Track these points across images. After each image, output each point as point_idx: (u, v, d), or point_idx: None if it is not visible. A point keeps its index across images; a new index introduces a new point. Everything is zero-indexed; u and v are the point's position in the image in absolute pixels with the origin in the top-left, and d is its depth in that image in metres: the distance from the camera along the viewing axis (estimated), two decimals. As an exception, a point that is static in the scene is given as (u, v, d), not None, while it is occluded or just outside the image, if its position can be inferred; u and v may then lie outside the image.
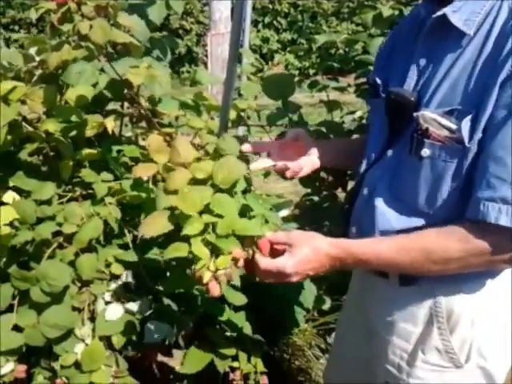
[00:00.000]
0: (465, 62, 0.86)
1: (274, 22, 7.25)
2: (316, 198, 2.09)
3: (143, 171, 1.13)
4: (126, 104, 1.76)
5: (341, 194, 2.14)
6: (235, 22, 1.08)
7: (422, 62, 0.94)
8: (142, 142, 1.68)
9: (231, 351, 1.32)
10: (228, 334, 1.36)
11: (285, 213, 1.25)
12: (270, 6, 7.23)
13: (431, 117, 0.88)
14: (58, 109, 1.29)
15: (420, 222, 0.94)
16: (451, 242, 0.86)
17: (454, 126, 0.85)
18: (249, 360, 1.35)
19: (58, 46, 1.08)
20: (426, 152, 0.89)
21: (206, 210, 0.96)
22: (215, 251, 0.92)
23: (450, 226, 0.87)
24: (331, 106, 1.88)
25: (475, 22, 0.85)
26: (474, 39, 0.86)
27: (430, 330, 0.98)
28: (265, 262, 0.93)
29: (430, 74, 0.92)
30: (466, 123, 0.84)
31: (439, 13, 0.88)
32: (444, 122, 0.86)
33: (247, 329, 1.36)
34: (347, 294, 1.30)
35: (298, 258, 0.90)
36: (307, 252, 0.90)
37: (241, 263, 0.93)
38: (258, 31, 7.00)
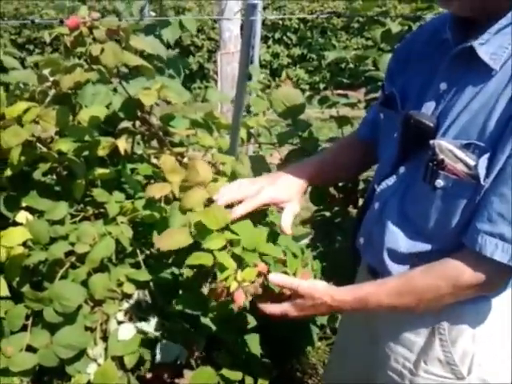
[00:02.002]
0: (487, 96, 0.84)
1: (284, 38, 7.30)
2: (328, 214, 2.08)
3: (157, 191, 1.14)
4: (137, 122, 1.79)
5: (353, 210, 2.14)
6: (244, 43, 1.10)
7: (443, 86, 0.92)
8: (153, 160, 1.69)
9: (237, 375, 1.30)
10: (236, 357, 1.35)
11: (304, 242, 1.25)
12: (280, 22, 7.29)
13: (448, 147, 0.87)
14: (71, 129, 1.31)
15: (427, 246, 0.94)
16: (440, 281, 0.89)
17: (471, 162, 0.85)
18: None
19: (70, 69, 1.10)
20: (439, 183, 0.89)
21: (226, 228, 0.97)
22: (240, 264, 0.93)
23: (443, 259, 0.89)
24: (341, 121, 1.88)
25: (502, 56, 0.83)
26: (498, 74, 0.84)
27: (432, 341, 0.99)
28: (270, 309, 0.99)
29: (450, 101, 0.90)
30: (483, 161, 0.83)
31: (467, 44, 0.86)
32: (460, 155, 0.85)
33: (255, 351, 1.35)
34: None
35: (301, 308, 0.97)
36: (309, 304, 0.96)
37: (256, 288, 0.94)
38: (268, 47, 7.05)
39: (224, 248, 0.96)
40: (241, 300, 0.91)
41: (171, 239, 0.99)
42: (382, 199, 1.01)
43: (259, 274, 0.94)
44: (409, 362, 1.02)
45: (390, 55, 1.90)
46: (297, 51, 7.16)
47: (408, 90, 1.01)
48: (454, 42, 0.90)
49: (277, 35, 7.30)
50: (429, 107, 0.94)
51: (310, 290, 0.96)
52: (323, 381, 1.56)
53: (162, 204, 1.34)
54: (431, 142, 0.89)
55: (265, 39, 6.85)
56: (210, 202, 1.08)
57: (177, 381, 1.51)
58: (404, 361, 1.02)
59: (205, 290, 1.38)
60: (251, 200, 1.06)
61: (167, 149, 1.38)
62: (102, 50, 0.99)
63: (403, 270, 0.97)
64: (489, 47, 0.85)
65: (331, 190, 1.57)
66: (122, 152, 1.30)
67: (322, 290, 0.96)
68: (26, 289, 1.19)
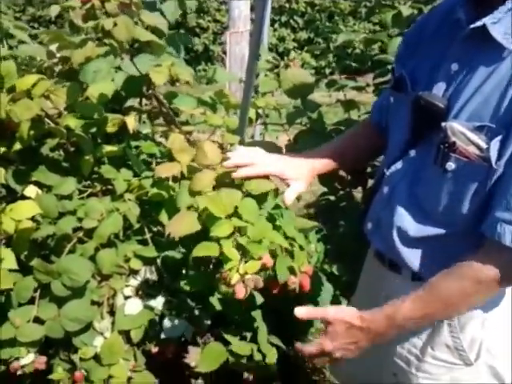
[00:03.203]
0: (500, 77, 0.83)
1: (291, 21, 7.24)
2: (333, 198, 2.09)
3: (166, 170, 1.14)
4: (143, 101, 1.79)
5: (357, 194, 2.14)
6: (257, 21, 1.09)
7: (454, 67, 0.91)
8: (158, 139, 1.69)
9: (246, 351, 1.32)
10: (244, 333, 1.36)
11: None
12: (287, 5, 7.22)
13: (460, 130, 0.86)
14: (80, 105, 1.31)
15: (436, 230, 0.94)
16: (463, 280, 0.87)
17: (483, 145, 0.84)
18: (264, 360, 1.35)
19: (82, 43, 1.09)
20: (450, 166, 0.88)
21: (234, 213, 0.97)
22: (245, 255, 0.93)
23: (460, 262, 0.88)
24: (348, 105, 1.87)
25: None
26: (511, 55, 0.83)
27: (440, 327, 0.99)
28: (307, 349, 0.95)
29: (461, 82, 0.89)
30: (495, 143, 0.83)
31: (479, 23, 0.85)
32: (473, 137, 0.85)
33: (262, 329, 1.36)
34: (357, 286, 1.30)
35: (334, 337, 0.93)
36: (341, 330, 0.92)
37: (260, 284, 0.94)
38: (275, 30, 6.99)
39: (231, 235, 0.95)
40: (241, 293, 0.91)
41: (181, 225, 0.99)
42: (391, 183, 1.01)
43: (263, 267, 0.94)
44: (415, 348, 1.02)
45: (399, 39, 1.89)
46: (303, 35, 7.11)
47: (418, 72, 1.00)
48: (466, 22, 0.89)
49: (283, 18, 7.24)
50: (440, 88, 0.93)
51: (338, 314, 0.94)
52: (329, 370, 1.55)
53: (170, 182, 1.35)
54: (443, 124, 0.88)
55: (271, 22, 6.80)
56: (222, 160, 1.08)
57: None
58: (410, 347, 1.02)
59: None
60: (258, 167, 1.06)
61: (176, 127, 1.38)
62: (115, 24, 0.99)
63: (413, 255, 0.97)
64: (501, 26, 0.84)
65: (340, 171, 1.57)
66: (131, 129, 1.30)
67: (349, 312, 0.94)
68: (35, 261, 1.19)
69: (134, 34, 1.03)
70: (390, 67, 1.93)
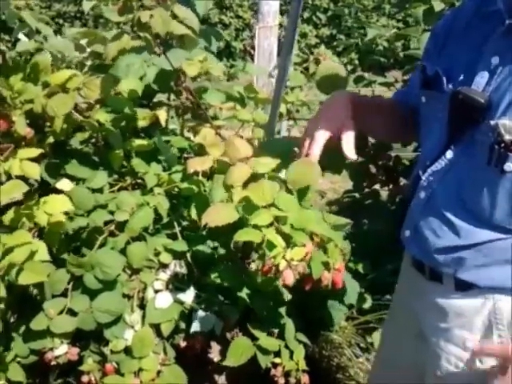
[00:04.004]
0: None
1: (313, 17, 7.20)
2: (357, 195, 2.07)
3: (198, 165, 1.14)
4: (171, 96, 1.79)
5: (383, 192, 2.11)
6: (292, 14, 1.08)
7: (495, 60, 0.86)
8: (186, 134, 1.70)
9: (274, 346, 1.31)
10: (271, 329, 1.36)
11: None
12: (310, 1, 7.18)
13: None
14: (112, 100, 1.31)
15: (490, 235, 0.88)
16: None
17: None
18: (291, 357, 1.35)
19: (117, 36, 1.10)
20: (509, 166, 0.82)
21: (273, 204, 0.97)
22: (288, 243, 0.93)
23: None
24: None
25: None
26: None
27: (489, 338, 0.93)
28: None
29: (504, 77, 0.85)
30: None
31: None
32: None
33: (290, 325, 1.36)
34: (393, 296, 1.26)
35: None
36: None
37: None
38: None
39: (271, 225, 0.95)
40: (290, 279, 0.91)
41: (218, 215, 0.99)
42: (429, 188, 0.95)
43: (307, 255, 0.94)
44: (461, 361, 0.96)
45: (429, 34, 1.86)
46: (326, 31, 7.06)
47: (453, 67, 0.95)
48: (507, 13, 0.85)
49: (306, 14, 7.20)
50: (479, 83, 0.88)
51: None
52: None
53: (200, 177, 1.36)
54: (492, 122, 0.83)
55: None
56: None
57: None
58: (456, 360, 0.96)
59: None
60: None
61: (208, 122, 1.38)
62: (151, 16, 0.99)
63: (458, 262, 0.93)
64: None
65: (372, 168, 1.55)
66: (163, 123, 1.31)
67: None
68: (68, 254, 1.20)
69: (169, 26, 1.03)
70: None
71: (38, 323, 1.14)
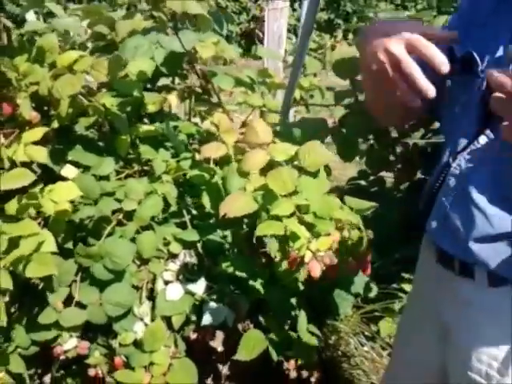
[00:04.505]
0: None
1: (311, 1, 7.07)
2: (363, 183, 2.03)
3: (213, 151, 1.09)
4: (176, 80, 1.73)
5: (389, 179, 2.08)
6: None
7: None
8: (193, 119, 1.65)
9: (286, 339, 1.28)
10: (283, 321, 1.33)
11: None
12: (307, -15, 7.05)
13: None
14: (120, 83, 1.26)
15: None
16: None
17: None
18: (303, 350, 1.32)
19: (129, 15, 1.04)
20: None
21: (294, 192, 0.93)
22: (311, 232, 0.89)
23: None
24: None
25: None
26: None
27: None
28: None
29: None
30: None
31: None
32: None
33: (302, 317, 1.33)
34: (411, 292, 1.22)
35: None
36: None
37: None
38: (294, 10, 6.85)
39: (292, 214, 0.91)
40: (316, 270, 0.87)
41: (236, 205, 0.95)
42: (462, 175, 0.91)
43: (333, 244, 0.90)
44: (496, 360, 0.91)
45: (444, 17, 1.81)
46: (323, 16, 6.95)
47: (488, 47, 0.92)
48: None
49: (301, -2, 7.09)
50: None
51: None
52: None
53: (211, 164, 1.31)
54: None
55: (291, 3, 6.66)
56: None
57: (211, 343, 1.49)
58: (490, 359, 0.91)
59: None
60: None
61: (218, 107, 1.33)
62: (168, -5, 0.93)
63: (496, 254, 0.89)
64: None
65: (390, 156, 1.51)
66: (174, 107, 1.26)
67: None
68: (76, 244, 1.16)
69: (185, 6, 0.98)
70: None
71: (46, 317, 1.10)
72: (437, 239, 0.98)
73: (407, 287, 1.98)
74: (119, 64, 1.15)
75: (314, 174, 0.98)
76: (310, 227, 0.90)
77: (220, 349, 1.45)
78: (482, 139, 0.89)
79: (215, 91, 1.25)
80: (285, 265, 0.97)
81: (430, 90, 0.83)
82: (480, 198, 0.87)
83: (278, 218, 0.91)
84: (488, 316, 0.92)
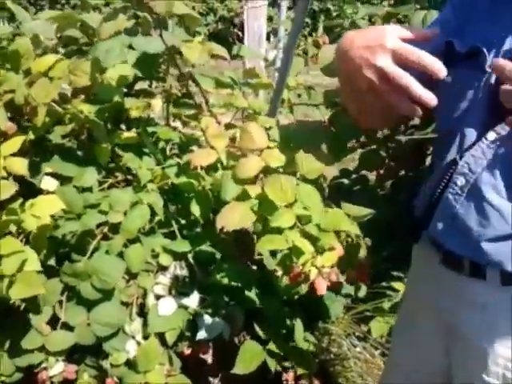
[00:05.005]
0: None
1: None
2: (346, 181, 2.01)
3: (202, 159, 1.04)
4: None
5: (371, 177, 2.06)
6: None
7: None
8: (174, 124, 1.58)
9: (283, 350, 1.24)
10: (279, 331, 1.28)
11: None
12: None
13: None
14: (100, 88, 1.19)
15: None
16: None
17: None
18: (302, 359, 1.27)
19: (112, 16, 0.97)
20: None
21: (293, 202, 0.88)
22: (316, 246, 0.84)
23: None
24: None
25: None
26: None
27: None
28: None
29: None
30: None
31: None
32: None
33: (299, 325, 1.28)
34: (407, 294, 1.18)
35: None
36: None
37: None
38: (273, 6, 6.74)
39: (293, 226, 0.87)
40: (323, 288, 0.82)
41: (233, 217, 0.90)
42: (470, 173, 0.88)
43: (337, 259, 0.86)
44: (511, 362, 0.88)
45: (423, 13, 1.79)
46: (291, 14, 6.87)
47: (492, 41, 0.88)
48: None
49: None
50: None
51: None
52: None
53: (199, 170, 1.25)
54: None
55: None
56: None
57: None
58: (506, 362, 0.89)
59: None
60: None
61: (201, 110, 1.27)
62: (154, -6, 0.87)
63: (504, 252, 0.87)
64: None
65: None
66: (157, 112, 1.19)
67: None
68: (58, 261, 1.09)
69: (171, 6, 0.92)
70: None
71: (30, 341, 1.02)
72: (443, 240, 0.94)
73: (397, 285, 1.96)
74: (99, 68, 1.07)
75: (314, 182, 0.93)
76: (313, 241, 0.85)
77: (210, 360, 1.40)
78: (491, 135, 0.86)
79: (203, 93, 1.20)
80: (285, 279, 0.92)
81: (432, 99, 0.80)
82: (493, 196, 0.84)
83: (278, 230, 0.87)
84: (503, 316, 0.89)
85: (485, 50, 0.86)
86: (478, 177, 0.86)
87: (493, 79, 0.84)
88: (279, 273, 1.07)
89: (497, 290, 0.88)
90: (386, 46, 0.78)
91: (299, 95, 1.37)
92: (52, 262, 1.16)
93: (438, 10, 1.74)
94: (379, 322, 1.88)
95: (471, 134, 0.89)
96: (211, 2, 6.54)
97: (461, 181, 0.89)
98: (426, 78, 0.84)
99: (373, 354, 1.90)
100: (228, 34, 6.01)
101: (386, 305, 1.90)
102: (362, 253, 0.99)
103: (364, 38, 0.81)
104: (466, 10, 0.94)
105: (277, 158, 0.99)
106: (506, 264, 0.85)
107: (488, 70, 0.85)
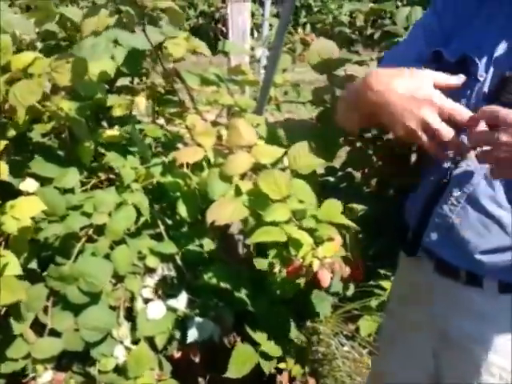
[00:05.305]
0: None
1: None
2: (332, 179, 2.00)
3: (188, 156, 1.01)
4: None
5: (357, 174, 2.05)
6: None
7: None
8: (158, 121, 1.55)
9: (278, 351, 1.21)
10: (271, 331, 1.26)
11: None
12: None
13: None
14: (82, 85, 1.15)
15: None
16: None
17: None
18: (295, 360, 1.25)
19: (93, 11, 0.93)
20: None
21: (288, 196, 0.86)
22: (313, 237, 0.82)
23: None
24: (346, 81, 1.76)
25: None
26: None
27: None
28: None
29: None
30: None
31: None
32: None
33: (292, 326, 1.26)
34: (395, 296, 1.15)
35: None
36: None
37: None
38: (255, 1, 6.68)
39: (289, 220, 0.85)
40: (327, 280, 0.80)
41: (224, 211, 0.87)
42: (466, 183, 0.85)
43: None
44: (506, 371, 0.88)
45: (407, 9, 1.79)
46: (274, 9, 6.83)
47: (484, 47, 0.84)
48: None
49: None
50: None
51: None
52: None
53: (185, 169, 1.22)
54: None
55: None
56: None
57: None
58: (500, 371, 0.88)
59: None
60: None
61: (185, 107, 1.24)
62: (140, -13, 0.84)
63: (503, 263, 0.85)
64: None
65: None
66: (142, 110, 1.16)
67: None
68: (41, 265, 1.05)
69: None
70: (398, 39, 1.84)
71: (16, 350, 0.98)
72: (437, 251, 0.92)
73: (384, 284, 1.95)
74: (84, 65, 1.03)
75: (308, 177, 0.91)
76: (311, 232, 0.83)
77: (197, 360, 1.37)
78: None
79: (188, 91, 1.16)
80: (281, 275, 0.90)
81: (466, 151, 0.83)
82: (493, 208, 0.82)
83: (274, 225, 0.84)
84: (499, 325, 0.87)
85: (476, 58, 0.84)
86: (475, 187, 0.84)
87: (486, 87, 0.83)
88: (276, 269, 1.05)
89: (494, 298, 0.87)
90: (434, 102, 0.78)
91: (286, 92, 1.35)
92: (34, 265, 1.13)
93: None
94: (367, 321, 1.87)
95: (466, 142, 0.86)
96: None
97: (456, 191, 0.86)
98: None
99: (361, 352, 1.89)
100: (209, 28, 5.96)
101: (374, 303, 1.89)
102: (358, 249, 0.97)
103: (405, 87, 0.80)
104: (452, 18, 0.92)
105: (267, 154, 0.96)
106: (504, 275, 0.84)
107: (480, 78, 0.84)
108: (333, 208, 0.88)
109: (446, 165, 0.90)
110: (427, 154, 0.87)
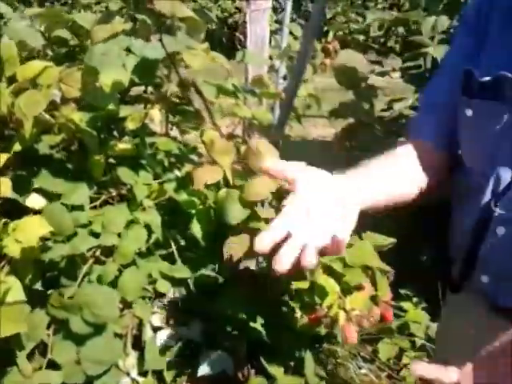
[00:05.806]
0: None
1: (273, 2, 6.93)
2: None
3: (208, 176, 0.93)
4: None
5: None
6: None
7: None
8: (172, 133, 1.48)
9: (296, 385, 1.13)
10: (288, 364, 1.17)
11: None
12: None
13: None
14: (94, 95, 1.07)
15: None
16: None
17: None
18: (313, 396, 1.17)
19: (106, 18, 0.86)
20: None
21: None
22: (341, 284, 0.73)
23: None
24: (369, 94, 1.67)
25: None
26: None
27: None
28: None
29: None
30: None
31: None
32: None
33: (309, 358, 1.17)
34: (443, 330, 1.07)
35: None
36: None
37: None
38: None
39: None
40: (354, 337, 0.71)
41: (243, 247, 0.79)
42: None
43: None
44: None
45: (432, 19, 1.70)
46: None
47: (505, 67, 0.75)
48: None
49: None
50: None
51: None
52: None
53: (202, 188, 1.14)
54: None
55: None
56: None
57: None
58: None
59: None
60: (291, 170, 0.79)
61: (211, 121, 1.16)
62: (157, -6, 0.77)
63: None
64: None
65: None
66: (157, 123, 1.09)
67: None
68: (45, 285, 0.98)
69: (174, 8, 0.81)
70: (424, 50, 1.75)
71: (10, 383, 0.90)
72: (492, 294, 0.85)
73: (405, 305, 1.87)
74: (94, 76, 0.96)
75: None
76: (338, 278, 0.74)
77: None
78: None
79: (206, 104, 1.09)
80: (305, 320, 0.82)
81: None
82: None
83: None
84: None
85: (504, 76, 0.75)
86: None
87: None
88: (297, 314, 0.96)
89: None
90: None
91: (308, 106, 1.28)
92: (38, 285, 1.06)
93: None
94: (387, 344, 1.79)
95: (506, 173, 0.77)
96: (205, 2, 6.41)
97: (501, 230, 0.79)
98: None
99: (379, 375, 1.81)
100: (222, 34, 5.90)
101: (394, 325, 1.82)
102: (387, 288, 0.88)
103: None
104: (484, 32, 0.84)
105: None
106: None
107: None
108: (364, 250, 0.79)
109: (485, 199, 0.81)
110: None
